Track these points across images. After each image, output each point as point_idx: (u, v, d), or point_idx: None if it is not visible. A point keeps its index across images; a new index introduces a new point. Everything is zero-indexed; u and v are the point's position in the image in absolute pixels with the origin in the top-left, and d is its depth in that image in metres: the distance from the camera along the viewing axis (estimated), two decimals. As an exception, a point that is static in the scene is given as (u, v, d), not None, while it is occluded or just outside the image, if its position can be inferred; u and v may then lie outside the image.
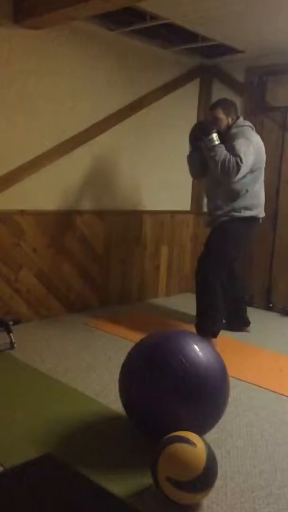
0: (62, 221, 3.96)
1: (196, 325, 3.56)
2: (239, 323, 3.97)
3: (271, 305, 4.64)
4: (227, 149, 3.36)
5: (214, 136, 3.37)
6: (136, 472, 1.99)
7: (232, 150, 3.33)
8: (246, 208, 3.53)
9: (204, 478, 1.73)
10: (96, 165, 4.15)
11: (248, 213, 3.54)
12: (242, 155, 3.30)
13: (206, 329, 3.49)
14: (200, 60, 4.67)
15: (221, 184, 3.49)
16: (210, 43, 4.09)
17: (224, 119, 3.49)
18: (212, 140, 3.37)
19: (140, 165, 4.51)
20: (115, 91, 4.16)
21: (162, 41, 4.17)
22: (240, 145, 3.34)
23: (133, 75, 4.27)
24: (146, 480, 1.90)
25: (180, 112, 4.73)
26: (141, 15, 3.60)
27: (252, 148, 3.39)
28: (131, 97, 4.30)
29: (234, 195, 3.49)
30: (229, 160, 3.29)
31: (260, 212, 3.64)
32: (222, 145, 3.36)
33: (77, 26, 3.73)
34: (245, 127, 3.50)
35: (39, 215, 3.80)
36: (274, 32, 3.77)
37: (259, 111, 4.57)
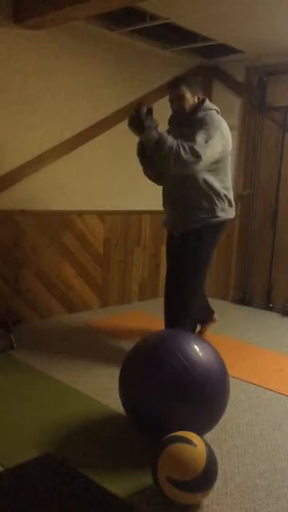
0: (62, 221, 3.96)
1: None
2: (206, 315, 3.57)
3: (271, 305, 4.64)
4: (190, 135, 2.86)
5: (150, 130, 2.84)
6: (136, 472, 1.99)
7: (192, 136, 2.83)
8: (219, 212, 3.06)
9: (204, 478, 1.73)
10: (96, 165, 4.15)
11: (221, 218, 3.07)
12: (202, 142, 2.79)
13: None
14: (200, 60, 4.67)
15: (181, 187, 3.04)
16: (210, 43, 4.09)
17: (190, 98, 2.99)
18: (149, 137, 2.84)
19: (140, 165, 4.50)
20: (115, 91, 4.16)
21: (162, 41, 4.17)
22: (206, 132, 2.83)
23: (133, 75, 4.27)
24: (146, 480, 1.90)
25: (180, 112, 4.73)
26: (141, 15, 3.60)
27: (220, 139, 2.90)
28: (131, 97, 4.30)
29: (204, 199, 3.02)
30: (182, 149, 2.76)
31: (232, 212, 3.17)
32: (164, 134, 2.84)
33: (77, 26, 3.73)
34: (212, 111, 3.01)
35: (39, 215, 3.80)
36: (274, 32, 3.77)
37: (259, 111, 4.57)
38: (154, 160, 2.94)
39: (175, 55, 4.49)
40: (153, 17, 3.60)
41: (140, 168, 4.50)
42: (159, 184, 3.33)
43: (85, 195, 4.12)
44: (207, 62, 4.72)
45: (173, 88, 3.06)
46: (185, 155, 2.77)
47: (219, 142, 2.90)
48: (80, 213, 4.08)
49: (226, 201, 3.10)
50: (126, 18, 3.68)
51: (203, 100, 3.05)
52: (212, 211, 3.05)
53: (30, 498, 1.80)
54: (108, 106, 4.14)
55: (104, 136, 4.14)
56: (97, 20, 3.71)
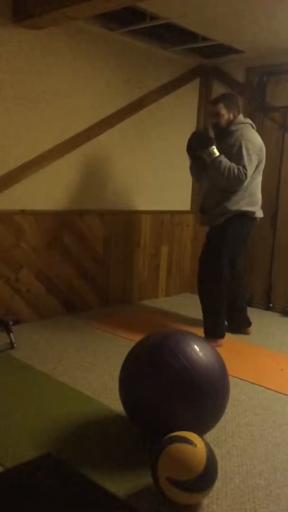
0: (62, 221, 3.96)
1: (205, 328, 3.60)
2: (240, 324, 3.93)
3: (271, 305, 4.64)
4: (226, 148, 3.37)
5: (213, 148, 3.34)
6: (136, 472, 1.99)
7: (235, 157, 3.32)
8: (242, 206, 3.47)
9: (204, 478, 1.73)
10: (96, 165, 4.15)
11: (243, 210, 3.48)
12: (246, 163, 3.31)
13: (217, 331, 3.56)
14: (200, 60, 4.67)
15: (218, 184, 3.46)
16: (210, 43, 4.09)
17: (226, 115, 3.45)
18: (211, 153, 3.35)
19: (140, 165, 4.51)
20: (115, 91, 4.16)
21: (162, 41, 4.18)
22: (243, 150, 3.32)
23: (133, 75, 4.27)
24: (146, 480, 1.90)
25: (180, 112, 4.73)
26: (141, 15, 3.60)
27: (254, 150, 3.37)
28: (131, 97, 4.30)
29: (230, 194, 3.44)
30: (233, 171, 3.29)
31: (257, 211, 3.57)
32: (222, 156, 3.34)
33: (77, 26, 3.74)
34: (246, 124, 3.47)
35: (39, 215, 3.80)
36: (274, 32, 3.77)
37: (259, 111, 4.57)
38: (210, 173, 3.45)
39: (175, 55, 4.49)
40: (153, 17, 3.60)
41: (139, 168, 4.52)
42: (197, 181, 3.87)
43: (85, 195, 4.12)
44: (207, 62, 4.72)
45: (212, 105, 3.53)
46: (236, 176, 3.30)
47: (255, 159, 3.38)
48: (80, 213, 4.08)
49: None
50: (126, 18, 3.68)
51: (238, 113, 3.50)
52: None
53: (30, 498, 1.80)
54: (108, 106, 4.14)
55: (104, 136, 4.14)
56: (97, 20, 3.71)
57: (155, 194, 4.71)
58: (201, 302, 3.65)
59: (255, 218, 3.59)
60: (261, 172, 3.56)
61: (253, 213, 3.53)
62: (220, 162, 3.32)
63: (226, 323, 3.76)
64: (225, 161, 3.33)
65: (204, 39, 4.02)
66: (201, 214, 3.68)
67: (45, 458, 2.04)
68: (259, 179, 3.55)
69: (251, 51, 4.29)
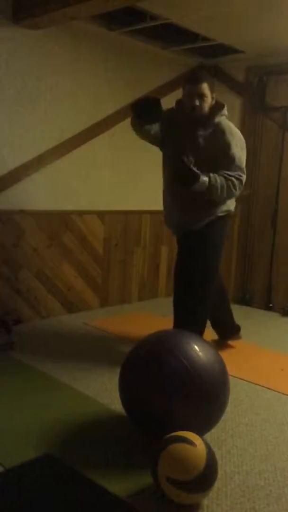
0: (62, 221, 3.96)
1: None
2: (230, 331, 3.53)
3: (271, 305, 4.64)
4: (208, 138, 2.89)
5: (203, 182, 2.77)
6: (136, 472, 1.98)
7: (228, 162, 2.89)
8: (224, 207, 3.03)
9: (204, 478, 1.73)
10: (96, 165, 4.15)
11: (225, 210, 3.03)
12: (242, 166, 2.92)
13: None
14: (200, 60, 4.66)
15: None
16: (210, 43, 4.09)
17: (209, 97, 2.90)
18: (202, 185, 2.77)
19: (140, 165, 4.51)
20: (115, 91, 4.16)
21: (162, 41, 4.17)
22: (236, 153, 2.90)
23: (133, 75, 4.27)
24: (146, 480, 1.90)
25: (180, 112, 4.73)
26: (141, 15, 3.60)
27: (243, 148, 2.98)
28: (131, 97, 4.28)
29: (210, 203, 2.95)
30: (232, 183, 2.85)
31: (232, 205, 3.12)
32: (212, 179, 2.79)
33: (77, 26, 3.73)
34: (225, 118, 3.00)
35: (39, 215, 3.80)
36: (274, 32, 3.77)
37: (259, 111, 4.57)
38: (209, 198, 2.88)
39: (175, 55, 4.49)
40: (153, 17, 3.60)
41: (139, 168, 4.52)
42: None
43: (85, 195, 4.11)
44: (207, 62, 4.72)
45: (194, 83, 2.88)
46: (235, 189, 2.87)
47: (244, 155, 2.97)
48: (80, 213, 4.08)
49: None
50: (126, 18, 3.68)
51: (221, 104, 2.97)
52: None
53: (30, 498, 1.80)
54: (108, 106, 4.14)
55: (104, 136, 4.14)
56: (97, 20, 3.71)
57: (155, 194, 4.70)
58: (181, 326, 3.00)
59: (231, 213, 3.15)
60: None
61: (230, 210, 3.11)
62: (217, 188, 2.81)
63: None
64: (217, 181, 2.82)
65: (204, 39, 4.02)
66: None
67: (45, 458, 2.04)
68: None
69: (251, 51, 4.29)
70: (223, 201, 2.95)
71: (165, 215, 3.25)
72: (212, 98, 2.94)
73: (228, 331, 3.52)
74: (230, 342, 3.54)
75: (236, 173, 2.89)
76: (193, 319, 3.04)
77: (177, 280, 3.12)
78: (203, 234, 3.01)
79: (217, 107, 2.96)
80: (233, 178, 2.86)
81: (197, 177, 2.75)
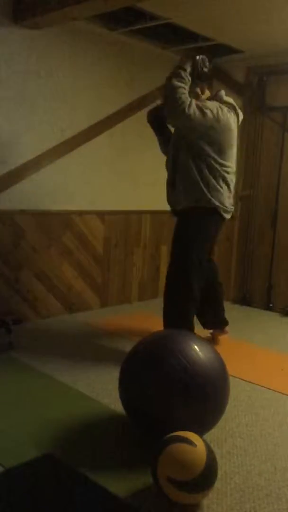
0: (62, 221, 3.96)
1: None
2: (216, 322, 3.59)
3: (271, 305, 4.64)
4: None
5: (183, 73, 3.00)
6: (136, 472, 1.98)
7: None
8: (208, 199, 3.10)
9: (204, 478, 1.73)
10: (96, 165, 4.15)
11: (211, 204, 3.11)
12: (192, 104, 2.95)
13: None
14: (200, 60, 4.66)
15: (183, 171, 3.10)
16: (210, 43, 4.09)
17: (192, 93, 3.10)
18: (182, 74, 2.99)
19: (140, 165, 4.51)
20: (115, 91, 4.16)
21: (162, 41, 4.17)
22: (204, 106, 3.00)
23: (133, 75, 4.27)
24: (146, 480, 1.90)
25: (180, 112, 4.73)
26: (141, 15, 3.60)
27: (210, 115, 2.99)
28: (131, 97, 4.30)
29: (195, 182, 3.08)
30: (182, 98, 2.93)
31: (222, 205, 3.16)
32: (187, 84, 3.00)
33: (77, 26, 3.73)
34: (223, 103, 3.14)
35: (39, 215, 3.80)
36: (274, 32, 3.77)
37: (259, 111, 4.57)
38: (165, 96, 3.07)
39: (175, 55, 4.48)
40: (153, 17, 3.60)
41: (139, 168, 4.52)
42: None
43: (85, 195, 4.12)
44: (207, 62, 4.72)
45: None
46: (181, 102, 2.94)
47: (211, 116, 3.00)
48: (80, 213, 4.08)
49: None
50: (126, 18, 3.68)
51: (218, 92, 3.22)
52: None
53: (30, 498, 1.80)
54: (108, 106, 4.14)
55: (104, 136, 4.14)
56: (97, 20, 3.71)
57: (155, 194, 4.71)
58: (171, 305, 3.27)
59: (220, 213, 3.21)
60: (230, 160, 3.17)
61: (217, 207, 3.18)
62: (179, 84, 2.96)
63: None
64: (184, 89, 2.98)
65: (204, 39, 4.02)
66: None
67: (45, 458, 2.04)
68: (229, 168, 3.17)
69: (251, 51, 4.29)
70: (170, 108, 3.01)
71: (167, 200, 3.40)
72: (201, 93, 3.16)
73: (216, 322, 3.58)
74: (220, 337, 3.55)
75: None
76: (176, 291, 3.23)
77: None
78: (182, 217, 3.23)
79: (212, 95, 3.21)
80: (189, 101, 2.96)
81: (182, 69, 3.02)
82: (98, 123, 4.08)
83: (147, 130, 4.50)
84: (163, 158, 4.80)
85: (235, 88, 4.71)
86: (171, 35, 4.02)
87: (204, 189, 3.09)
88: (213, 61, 4.67)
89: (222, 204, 3.15)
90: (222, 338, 3.58)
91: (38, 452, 2.07)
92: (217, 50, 4.34)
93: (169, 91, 3.00)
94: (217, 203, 3.12)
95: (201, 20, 3.63)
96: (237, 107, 3.25)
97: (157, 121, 3.41)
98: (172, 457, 1.75)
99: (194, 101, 3.00)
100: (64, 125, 3.85)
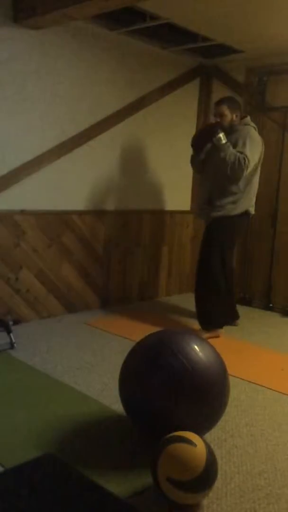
0: (62, 221, 3.96)
1: (204, 319, 3.74)
2: (231, 317, 4.05)
3: (271, 305, 4.64)
4: (232, 143, 3.55)
5: (222, 135, 3.51)
6: (136, 472, 1.99)
7: (239, 147, 3.52)
8: (239, 204, 3.67)
9: (204, 478, 1.73)
10: (96, 165, 4.15)
11: (239, 209, 3.69)
12: (248, 153, 3.49)
13: (216, 322, 3.72)
14: (200, 60, 4.67)
15: (218, 180, 3.64)
16: (210, 43, 4.09)
17: (229, 115, 3.66)
18: (220, 139, 3.51)
19: (140, 165, 4.51)
20: (115, 91, 4.16)
21: (162, 41, 4.18)
22: (246, 143, 3.53)
23: (133, 75, 4.27)
24: (146, 480, 1.90)
25: (180, 112, 4.73)
26: (141, 15, 3.60)
27: (256, 146, 3.58)
28: (131, 97, 4.30)
29: (229, 191, 3.63)
30: (238, 158, 3.46)
31: (251, 209, 3.79)
32: (229, 144, 3.51)
33: (77, 26, 3.74)
34: (250, 126, 3.69)
35: (39, 215, 3.80)
36: (274, 32, 3.77)
37: (259, 111, 4.57)
38: (219, 156, 3.55)
39: (175, 55, 4.49)
40: (153, 17, 3.60)
41: (139, 168, 4.52)
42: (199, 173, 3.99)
43: (85, 195, 4.12)
44: (207, 62, 4.72)
45: (216, 106, 3.72)
46: (239, 162, 3.46)
47: (257, 153, 3.60)
48: (80, 213, 4.08)
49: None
50: (126, 18, 3.68)
51: (244, 116, 3.76)
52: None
53: (30, 498, 1.80)
54: (108, 106, 4.14)
55: (104, 136, 4.14)
56: (97, 20, 3.71)
57: (155, 194, 4.71)
58: (201, 297, 3.80)
59: (249, 215, 3.84)
60: (258, 174, 3.74)
61: (247, 211, 3.81)
62: (228, 146, 3.50)
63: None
64: (232, 149, 3.50)
65: (204, 39, 4.02)
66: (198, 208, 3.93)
67: (45, 458, 2.04)
68: (255, 180, 3.75)
69: (251, 51, 4.29)
70: (230, 171, 3.50)
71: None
72: (233, 115, 3.68)
73: (231, 317, 4.04)
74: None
75: (242, 155, 3.49)
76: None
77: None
78: (216, 224, 3.74)
79: (238, 120, 3.71)
80: (241, 155, 3.48)
81: (218, 130, 3.52)
82: (98, 123, 4.08)
83: (147, 130, 4.51)
84: (163, 158, 4.82)
85: (235, 88, 4.71)
86: (171, 35, 4.02)
87: None
88: (213, 61, 4.69)
89: None
90: (222, 337, 3.64)
91: (38, 452, 2.07)
92: (217, 50, 4.35)
93: (227, 157, 3.49)
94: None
95: (201, 20, 3.63)
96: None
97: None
98: (172, 457, 1.75)
99: (244, 156, 3.47)
100: (64, 125, 3.85)
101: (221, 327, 3.75)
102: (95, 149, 4.10)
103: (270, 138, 4.54)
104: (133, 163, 4.46)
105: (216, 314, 3.76)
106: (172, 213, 4.88)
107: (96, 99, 4.04)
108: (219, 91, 4.72)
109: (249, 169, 3.52)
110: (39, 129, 3.70)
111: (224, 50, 4.31)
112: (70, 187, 3.99)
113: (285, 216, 4.53)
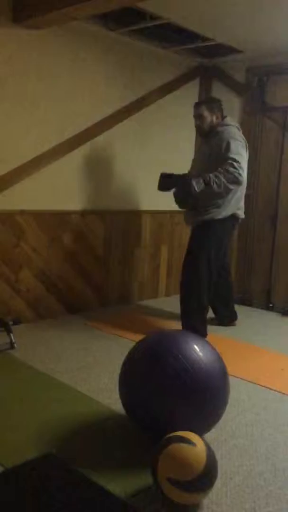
0: (62, 221, 3.96)
1: (187, 328, 3.56)
2: (229, 318, 4.06)
3: (271, 305, 4.64)
4: (214, 147, 3.48)
5: (194, 183, 3.32)
6: (136, 472, 1.99)
7: (224, 153, 3.39)
8: (224, 208, 3.52)
9: (204, 478, 1.73)
10: (96, 165, 4.15)
11: (225, 213, 3.54)
12: (233, 155, 3.35)
13: (201, 331, 3.53)
14: (200, 60, 4.67)
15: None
16: (210, 43, 4.09)
17: (208, 117, 3.56)
18: (198, 187, 3.32)
19: (140, 165, 4.51)
20: (115, 91, 4.16)
21: (162, 41, 4.18)
22: (230, 145, 3.39)
23: (133, 75, 4.27)
24: (146, 480, 1.90)
25: (180, 112, 4.73)
26: (141, 15, 3.60)
27: (240, 146, 3.45)
28: (131, 97, 4.30)
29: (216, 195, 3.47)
30: (225, 170, 3.31)
31: (238, 212, 3.65)
32: (208, 178, 3.31)
33: (77, 26, 3.73)
34: (230, 126, 3.55)
35: (39, 215, 3.80)
36: (274, 32, 3.77)
37: (259, 111, 4.58)
38: (216, 191, 3.37)
39: (175, 55, 4.49)
40: (153, 17, 3.60)
41: (139, 168, 4.52)
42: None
43: (85, 195, 4.12)
44: (207, 62, 4.72)
45: (195, 108, 3.62)
46: (230, 173, 3.31)
47: (242, 149, 3.45)
48: (80, 213, 4.08)
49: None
50: (126, 18, 3.68)
51: (224, 116, 3.60)
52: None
53: (31, 498, 1.80)
54: (108, 106, 4.14)
55: (104, 136, 4.14)
56: (97, 20, 3.71)
57: (155, 194, 4.70)
58: (183, 302, 3.75)
59: (238, 219, 3.73)
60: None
61: (236, 215, 3.68)
62: (209, 181, 3.31)
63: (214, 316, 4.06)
64: (213, 177, 3.31)
65: (204, 39, 4.02)
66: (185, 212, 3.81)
67: (45, 458, 2.04)
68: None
69: (251, 51, 4.29)
70: (231, 186, 3.35)
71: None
72: (213, 117, 3.56)
73: (229, 318, 4.07)
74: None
75: (228, 161, 3.33)
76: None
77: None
78: (202, 228, 3.62)
79: (218, 121, 3.57)
80: (226, 166, 3.32)
81: (190, 184, 3.33)
82: (98, 123, 4.08)
83: (147, 130, 4.51)
84: (163, 158, 4.82)
85: (235, 88, 4.71)
86: (171, 35, 4.02)
87: None
88: (213, 61, 4.69)
89: None
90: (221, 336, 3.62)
91: (38, 452, 2.07)
92: (217, 50, 4.35)
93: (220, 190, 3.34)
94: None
95: (201, 20, 3.63)
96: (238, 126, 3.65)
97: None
98: (172, 457, 1.75)
99: (230, 161, 3.33)
100: (64, 125, 3.85)
101: (205, 336, 3.56)
102: (95, 149, 4.11)
103: (270, 138, 4.54)
104: (133, 163, 4.46)
105: (198, 323, 3.61)
106: (172, 213, 4.87)
107: (96, 99, 4.04)
108: (219, 91, 4.73)
109: (245, 167, 3.40)
110: (39, 129, 3.70)
111: (224, 50, 4.31)
112: (70, 187, 3.99)
113: (285, 216, 4.53)
